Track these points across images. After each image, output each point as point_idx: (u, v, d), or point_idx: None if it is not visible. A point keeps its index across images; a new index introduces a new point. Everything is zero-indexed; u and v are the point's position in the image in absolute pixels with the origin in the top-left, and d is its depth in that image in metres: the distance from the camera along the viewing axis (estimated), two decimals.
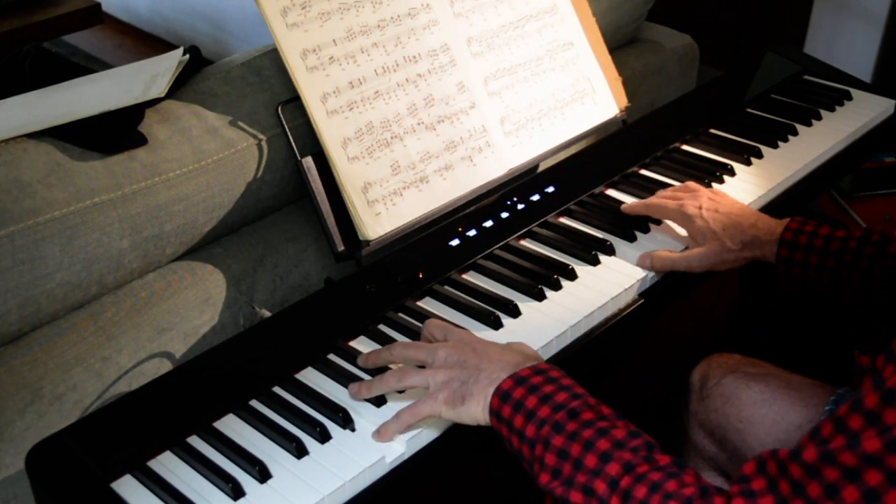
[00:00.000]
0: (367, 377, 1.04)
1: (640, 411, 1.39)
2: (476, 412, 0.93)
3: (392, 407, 1.00)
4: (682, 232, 1.29)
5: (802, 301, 1.94)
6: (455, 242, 1.26)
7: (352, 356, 1.07)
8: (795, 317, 1.93)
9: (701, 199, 1.26)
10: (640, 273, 1.22)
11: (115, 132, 1.17)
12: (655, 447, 0.85)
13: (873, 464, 0.69)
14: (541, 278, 1.20)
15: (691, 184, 1.34)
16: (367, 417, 0.99)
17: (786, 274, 1.21)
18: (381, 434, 0.96)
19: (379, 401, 1.00)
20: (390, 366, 1.04)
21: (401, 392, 1.01)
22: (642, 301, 1.22)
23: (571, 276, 1.21)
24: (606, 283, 1.20)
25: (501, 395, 0.91)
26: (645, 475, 0.81)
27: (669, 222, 1.31)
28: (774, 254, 1.21)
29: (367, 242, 1.23)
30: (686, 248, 1.28)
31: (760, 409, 1.18)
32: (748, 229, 1.22)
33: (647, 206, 1.31)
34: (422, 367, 0.99)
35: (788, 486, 0.73)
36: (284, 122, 1.24)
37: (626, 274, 1.22)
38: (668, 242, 1.29)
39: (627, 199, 1.39)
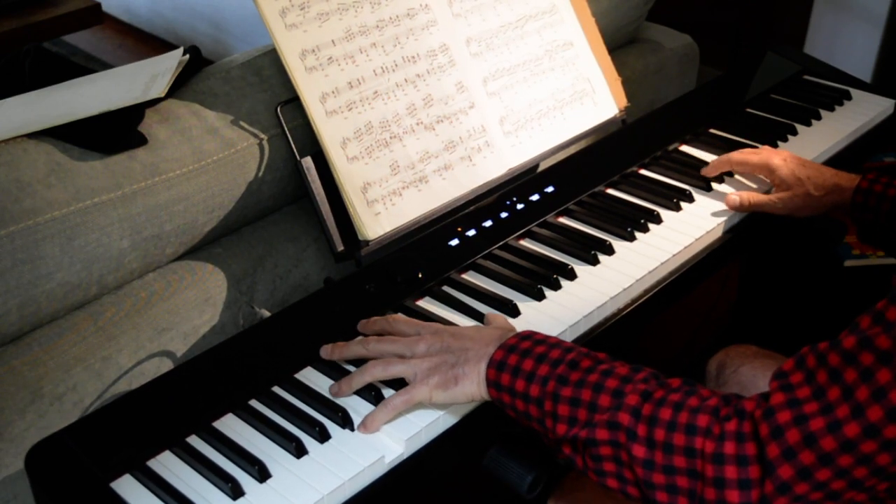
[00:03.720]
0: None
1: None
2: (471, 389, 0.96)
3: None
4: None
5: (804, 300, 1.94)
6: (454, 242, 1.26)
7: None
8: (796, 316, 1.93)
9: (783, 153, 1.38)
10: (639, 273, 1.22)
11: (115, 132, 1.17)
12: (660, 375, 0.88)
13: None
14: (540, 278, 1.20)
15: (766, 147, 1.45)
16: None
17: (859, 221, 1.32)
18: (368, 425, 0.97)
19: (378, 400, 1.00)
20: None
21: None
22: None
23: (571, 275, 1.21)
24: (606, 283, 1.20)
25: (497, 366, 0.94)
26: (665, 398, 0.84)
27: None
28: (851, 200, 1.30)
29: (367, 242, 1.24)
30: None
31: None
32: (830, 178, 1.33)
33: (729, 162, 1.41)
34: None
35: (826, 375, 0.76)
36: (284, 123, 1.24)
37: (625, 274, 1.22)
38: (669, 242, 1.29)
39: (628, 199, 1.39)
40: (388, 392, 1.01)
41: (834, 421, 0.73)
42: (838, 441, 0.73)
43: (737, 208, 1.34)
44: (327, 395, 1.02)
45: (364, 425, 0.97)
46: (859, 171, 1.34)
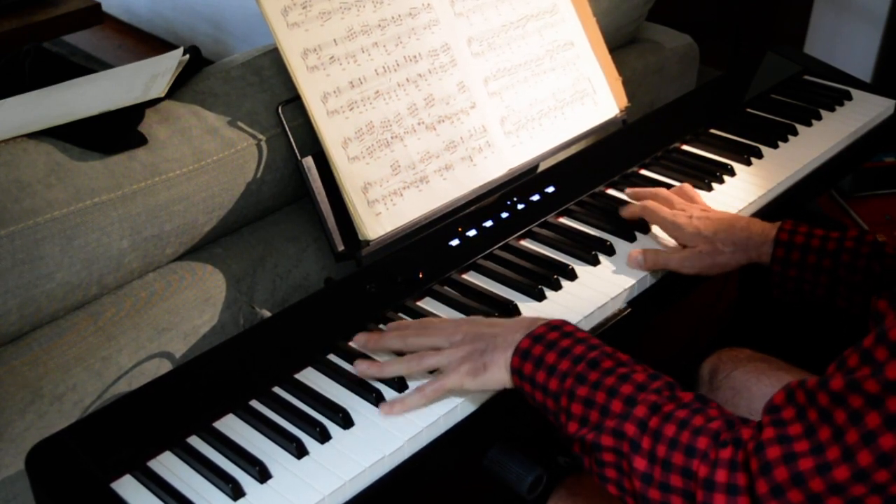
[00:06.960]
0: None
1: None
2: (500, 376, 0.97)
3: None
4: None
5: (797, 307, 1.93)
6: (455, 242, 1.26)
7: (352, 356, 1.06)
8: (796, 317, 1.93)
9: (692, 210, 1.26)
10: (640, 273, 1.22)
11: (115, 132, 1.17)
12: (676, 385, 0.88)
13: (894, 391, 0.71)
14: (541, 278, 1.20)
15: (687, 187, 1.33)
16: (367, 417, 0.99)
17: (781, 276, 1.20)
18: (398, 406, 0.98)
19: (378, 400, 1.00)
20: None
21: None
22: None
23: (571, 276, 1.21)
24: (606, 283, 1.20)
25: (521, 354, 0.95)
26: (672, 413, 0.83)
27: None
28: (769, 255, 1.19)
29: (367, 242, 1.24)
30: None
31: None
32: (740, 231, 1.21)
33: (643, 209, 1.29)
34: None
35: (816, 414, 0.75)
36: (284, 122, 1.24)
37: (626, 274, 1.22)
38: (670, 242, 1.29)
39: (629, 200, 1.39)
40: (388, 390, 1.01)
41: (823, 463, 0.73)
42: (827, 483, 0.73)
43: (639, 268, 1.22)
44: (328, 395, 1.02)
45: (390, 406, 0.98)
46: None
